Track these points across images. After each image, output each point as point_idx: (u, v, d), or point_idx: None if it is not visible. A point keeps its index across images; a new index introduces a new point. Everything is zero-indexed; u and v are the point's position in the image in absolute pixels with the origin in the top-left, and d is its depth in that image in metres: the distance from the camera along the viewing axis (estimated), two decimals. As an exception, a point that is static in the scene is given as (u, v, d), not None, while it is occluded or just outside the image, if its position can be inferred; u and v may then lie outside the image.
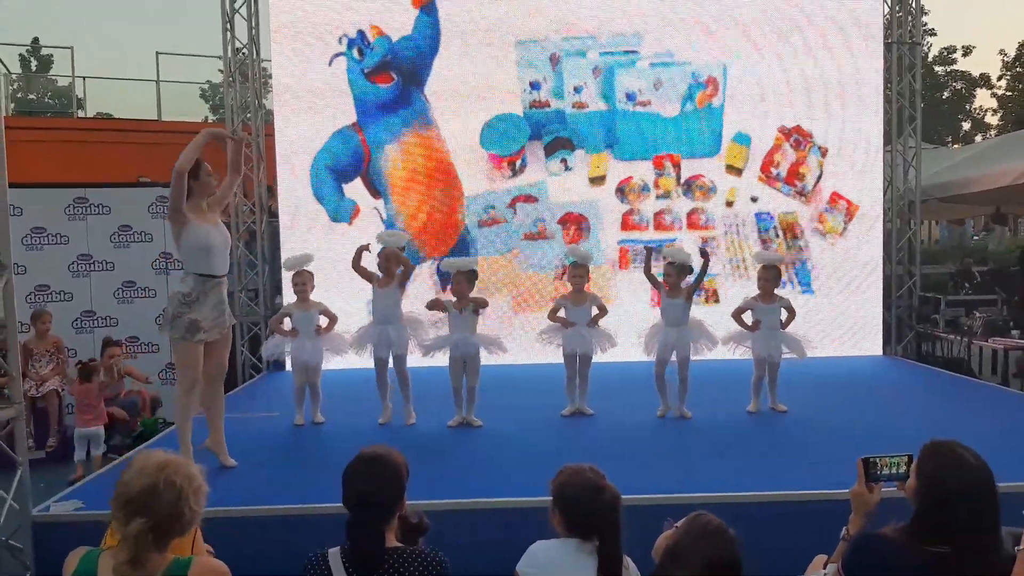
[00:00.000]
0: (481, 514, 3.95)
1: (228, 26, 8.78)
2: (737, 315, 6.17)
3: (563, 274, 8.15)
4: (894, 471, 2.41)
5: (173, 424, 6.41)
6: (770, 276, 6.06)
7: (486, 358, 5.94)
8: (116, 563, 1.99)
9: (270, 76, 9.14)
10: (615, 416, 6.03)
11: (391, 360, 5.96)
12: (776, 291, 6.12)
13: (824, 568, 2.51)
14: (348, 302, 7.15)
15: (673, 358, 5.98)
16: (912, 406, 6.43)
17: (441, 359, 5.95)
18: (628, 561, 2.51)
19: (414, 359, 6.07)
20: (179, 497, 2.03)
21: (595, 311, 6.04)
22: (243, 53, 8.93)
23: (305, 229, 8.56)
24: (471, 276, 5.90)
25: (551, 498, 2.58)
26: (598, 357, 6.12)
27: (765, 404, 6.11)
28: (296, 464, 5.04)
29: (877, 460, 2.43)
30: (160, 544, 2.03)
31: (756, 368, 6.11)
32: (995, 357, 9.22)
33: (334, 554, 2.33)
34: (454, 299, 5.89)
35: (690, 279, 5.99)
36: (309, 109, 8.60)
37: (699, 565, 2.08)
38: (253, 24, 8.92)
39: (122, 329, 8.11)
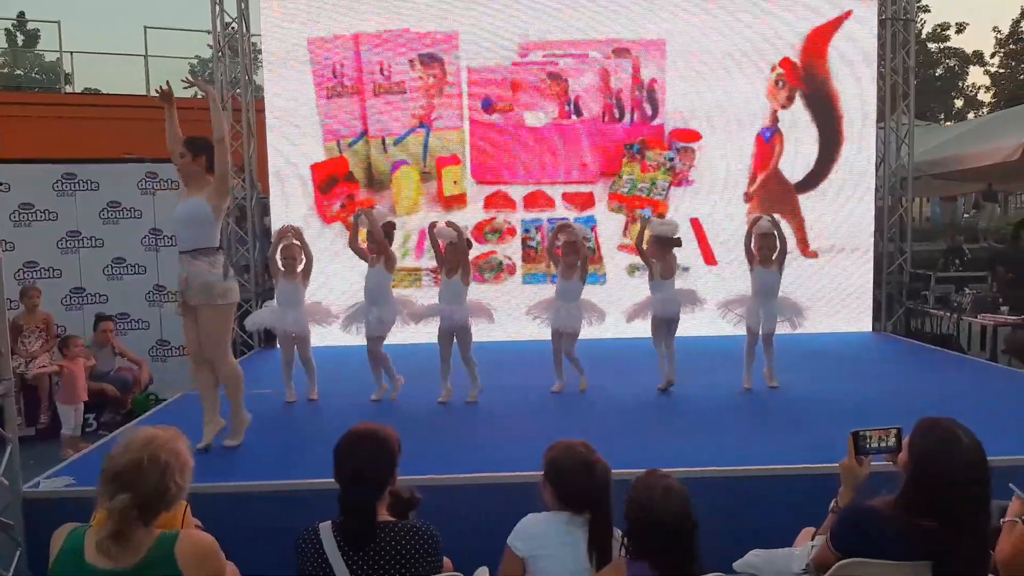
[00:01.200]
0: (472, 489, 3.96)
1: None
2: (748, 241, 6.07)
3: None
4: (883, 444, 2.44)
5: (165, 400, 6.44)
6: (767, 244, 5.95)
7: (477, 335, 5.91)
8: (99, 538, 2.00)
9: (259, 51, 9.04)
10: (606, 392, 6.04)
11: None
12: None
13: (812, 540, 2.54)
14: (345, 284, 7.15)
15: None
16: (901, 382, 6.47)
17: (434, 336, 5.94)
18: (618, 533, 2.53)
19: (408, 334, 6.03)
20: (164, 473, 2.04)
21: (585, 292, 6.01)
22: (232, 27, 8.81)
23: (296, 206, 8.53)
24: (463, 246, 5.81)
25: (542, 472, 2.59)
26: (588, 333, 6.12)
27: (758, 378, 6.10)
28: (288, 440, 5.04)
29: (867, 433, 2.45)
30: (145, 519, 2.03)
31: (748, 334, 6.08)
32: (984, 333, 9.26)
33: (325, 528, 2.34)
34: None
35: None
36: (299, 82, 8.53)
37: (647, 521, 2.21)
38: (242, -3, 8.82)
39: (112, 306, 8.06)
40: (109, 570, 2.00)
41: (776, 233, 5.96)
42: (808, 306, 6.34)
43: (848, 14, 8.71)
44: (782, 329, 6.14)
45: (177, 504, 2.16)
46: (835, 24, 8.74)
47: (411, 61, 8.54)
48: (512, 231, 8.73)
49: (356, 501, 2.35)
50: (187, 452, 2.14)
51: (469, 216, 8.58)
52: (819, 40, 8.77)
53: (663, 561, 2.18)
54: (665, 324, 5.96)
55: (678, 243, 5.92)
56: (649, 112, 8.73)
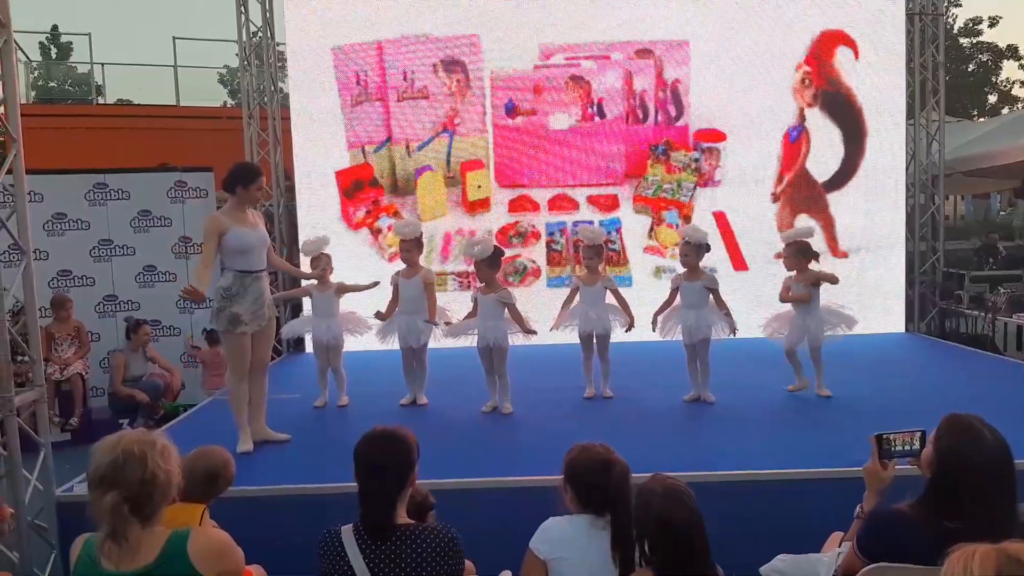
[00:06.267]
0: (496, 492, 3.96)
1: (242, 9, 8.78)
2: (785, 295, 5.84)
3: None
4: (907, 447, 2.40)
5: (194, 406, 6.52)
6: (790, 252, 5.76)
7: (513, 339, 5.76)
8: (98, 542, 2.01)
9: (285, 60, 9.14)
10: (635, 395, 6.00)
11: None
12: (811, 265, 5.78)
13: (840, 545, 2.50)
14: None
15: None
16: (934, 383, 6.35)
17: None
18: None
19: (447, 344, 6.05)
20: (142, 462, 2.02)
21: (609, 296, 5.92)
22: (258, 36, 8.92)
23: (322, 212, 8.60)
24: (492, 262, 5.63)
25: (562, 475, 2.59)
26: (618, 337, 6.06)
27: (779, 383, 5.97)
28: (315, 444, 5.08)
29: (890, 437, 2.41)
30: (142, 515, 2.02)
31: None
32: (1020, 333, 9.07)
33: (347, 530, 2.35)
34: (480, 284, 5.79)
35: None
36: (324, 90, 8.61)
37: (653, 524, 2.19)
38: (267, 7, 8.92)
39: (144, 312, 8.17)
40: (124, 573, 2.00)
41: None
42: (854, 316, 5.98)
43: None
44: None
45: (172, 491, 2.13)
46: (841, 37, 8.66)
47: (434, 66, 8.58)
48: (537, 234, 8.72)
49: (374, 497, 2.36)
50: (163, 439, 2.13)
51: (493, 220, 8.59)
52: (832, 38, 8.66)
53: (667, 568, 2.17)
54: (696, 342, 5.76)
55: (708, 249, 5.76)
56: (673, 113, 8.68)
